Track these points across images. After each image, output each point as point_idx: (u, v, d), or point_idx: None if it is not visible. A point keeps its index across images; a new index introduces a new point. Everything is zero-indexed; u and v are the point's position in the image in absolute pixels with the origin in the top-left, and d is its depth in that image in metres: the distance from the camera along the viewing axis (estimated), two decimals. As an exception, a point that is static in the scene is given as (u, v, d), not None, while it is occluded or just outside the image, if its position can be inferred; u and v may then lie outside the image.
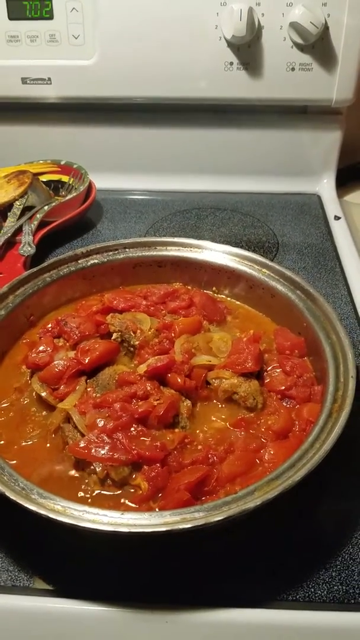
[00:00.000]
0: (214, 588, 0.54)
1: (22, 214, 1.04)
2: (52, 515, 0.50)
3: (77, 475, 0.61)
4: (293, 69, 1.08)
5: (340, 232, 1.10)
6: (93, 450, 0.59)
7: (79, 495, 0.59)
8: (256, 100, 1.13)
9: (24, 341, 0.78)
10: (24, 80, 1.13)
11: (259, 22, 1.04)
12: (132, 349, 0.73)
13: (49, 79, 1.13)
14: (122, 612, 0.53)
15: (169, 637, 0.52)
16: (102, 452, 0.59)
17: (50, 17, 1.08)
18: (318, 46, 1.05)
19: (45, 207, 1.05)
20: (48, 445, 0.64)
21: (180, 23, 1.06)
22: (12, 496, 0.51)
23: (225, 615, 0.52)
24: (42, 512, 0.50)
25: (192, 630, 0.52)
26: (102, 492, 0.59)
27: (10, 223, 1.01)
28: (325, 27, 1.03)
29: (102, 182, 1.16)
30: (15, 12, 1.09)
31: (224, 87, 1.11)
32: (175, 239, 0.88)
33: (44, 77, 1.13)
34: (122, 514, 0.51)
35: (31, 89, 1.14)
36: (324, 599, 0.54)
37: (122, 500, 0.58)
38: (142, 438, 0.61)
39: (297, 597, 0.54)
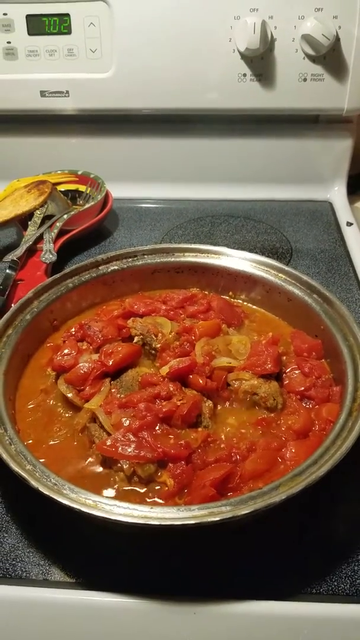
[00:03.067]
0: (241, 581, 0.56)
1: (42, 222, 1.07)
2: (84, 509, 0.52)
3: (104, 472, 0.63)
4: (305, 80, 1.11)
5: (352, 238, 1.12)
6: (120, 449, 0.61)
7: (106, 492, 0.60)
8: (269, 111, 1.16)
9: (49, 345, 0.80)
10: (42, 93, 1.16)
11: (272, 35, 1.07)
12: (153, 351, 0.75)
13: (67, 91, 1.16)
14: (151, 604, 0.54)
15: (196, 627, 0.54)
16: (129, 450, 0.61)
17: (69, 32, 1.12)
18: (329, 57, 1.08)
19: (65, 216, 1.08)
20: (75, 444, 0.66)
21: (194, 36, 1.09)
22: (46, 491, 0.53)
23: (252, 607, 0.54)
24: (75, 506, 0.52)
25: (219, 621, 0.54)
26: (129, 488, 0.61)
27: (31, 231, 1.04)
28: (337, 39, 1.06)
29: (118, 191, 1.19)
30: (35, 28, 1.12)
31: (237, 98, 1.14)
32: (193, 245, 0.90)
33: (62, 90, 1.16)
34: (152, 508, 0.53)
35: (50, 101, 1.17)
36: (347, 592, 0.55)
37: (149, 497, 0.60)
38: (166, 437, 0.63)
39: (321, 590, 0.55)
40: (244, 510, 0.51)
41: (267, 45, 1.07)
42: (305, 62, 1.09)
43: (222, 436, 0.66)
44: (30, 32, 1.12)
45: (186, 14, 1.08)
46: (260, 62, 1.09)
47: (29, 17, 1.11)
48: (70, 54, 1.13)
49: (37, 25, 1.11)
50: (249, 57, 1.09)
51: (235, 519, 0.50)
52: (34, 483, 0.54)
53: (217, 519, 0.50)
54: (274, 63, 1.09)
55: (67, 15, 1.10)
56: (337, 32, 1.05)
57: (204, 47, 1.09)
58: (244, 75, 1.11)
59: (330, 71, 1.10)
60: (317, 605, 0.54)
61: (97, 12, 1.10)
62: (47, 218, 1.08)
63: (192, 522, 0.50)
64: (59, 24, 1.11)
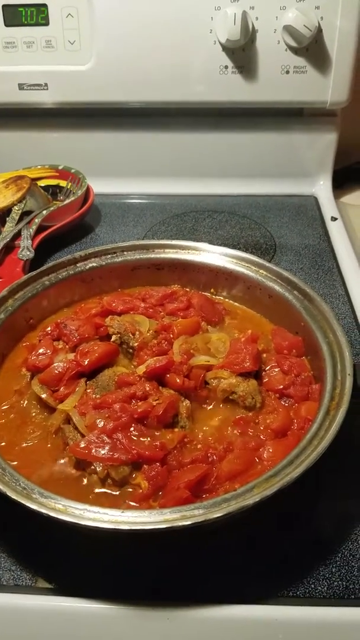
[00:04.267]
0: (216, 585, 0.55)
1: (21, 218, 1.05)
2: (53, 514, 0.50)
3: (77, 475, 0.61)
4: (287, 72, 1.09)
5: (337, 233, 1.11)
6: (93, 451, 0.60)
7: (79, 495, 0.59)
8: (252, 103, 1.14)
9: (24, 344, 0.78)
10: (20, 86, 1.14)
11: (253, 26, 1.05)
12: (131, 350, 0.73)
13: (46, 84, 1.14)
14: (124, 610, 0.53)
15: (170, 633, 0.53)
16: (103, 452, 0.59)
17: (46, 24, 1.09)
18: (312, 49, 1.07)
19: (44, 212, 1.06)
20: (49, 445, 0.65)
21: (175, 28, 1.07)
22: (14, 496, 0.52)
23: (227, 611, 0.53)
24: (44, 511, 0.51)
25: (193, 627, 0.53)
26: (103, 491, 0.59)
27: (9, 228, 1.02)
28: (319, 30, 1.04)
29: (99, 186, 1.17)
30: (12, 19, 1.10)
31: (219, 91, 1.12)
32: (173, 242, 0.89)
33: (40, 82, 1.14)
34: (123, 512, 0.51)
35: (28, 94, 1.15)
36: (324, 595, 0.54)
37: (123, 499, 0.58)
38: (141, 438, 0.61)
39: (298, 593, 0.54)
40: (217, 514, 0.49)
41: (248, 36, 1.05)
42: (288, 54, 1.07)
43: (200, 436, 0.65)
44: (7, 23, 1.10)
45: (166, 4, 1.06)
46: (242, 54, 1.08)
47: (5, 7, 1.08)
48: (49, 45, 1.10)
49: (13, 15, 1.09)
50: (230, 49, 1.07)
51: (207, 523, 0.49)
52: (1, 487, 0.53)
53: (189, 522, 0.49)
54: (255, 55, 1.08)
55: (45, 5, 1.08)
56: (319, 23, 1.04)
57: (184, 39, 1.07)
58: (226, 67, 1.09)
59: (313, 63, 1.08)
60: (293, 608, 0.53)
61: (75, 2, 1.08)
62: (26, 214, 1.06)
63: (163, 526, 0.49)
64: (36, 15, 1.08)
